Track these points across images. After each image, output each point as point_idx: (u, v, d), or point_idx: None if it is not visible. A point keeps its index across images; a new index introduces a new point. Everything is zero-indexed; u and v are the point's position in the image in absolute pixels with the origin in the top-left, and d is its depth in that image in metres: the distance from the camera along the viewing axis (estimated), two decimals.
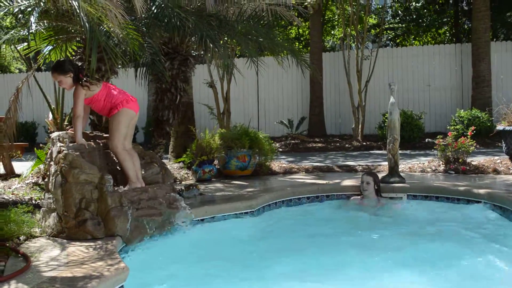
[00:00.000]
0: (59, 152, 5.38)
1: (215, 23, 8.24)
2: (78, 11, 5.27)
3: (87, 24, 5.74)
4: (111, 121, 5.82)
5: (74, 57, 8.60)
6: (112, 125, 5.81)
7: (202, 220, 6.36)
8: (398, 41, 25.75)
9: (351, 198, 7.86)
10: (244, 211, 6.78)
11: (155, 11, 7.98)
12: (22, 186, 8.05)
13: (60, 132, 5.74)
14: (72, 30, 8.22)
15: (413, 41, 25.58)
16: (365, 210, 7.42)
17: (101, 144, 5.94)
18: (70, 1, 5.25)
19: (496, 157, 10.84)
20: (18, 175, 9.16)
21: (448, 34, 24.86)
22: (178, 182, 8.84)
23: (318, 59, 18.74)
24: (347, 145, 16.18)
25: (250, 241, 6.01)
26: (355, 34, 17.84)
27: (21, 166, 9.82)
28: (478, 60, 17.43)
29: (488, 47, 17.39)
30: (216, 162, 9.75)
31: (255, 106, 20.31)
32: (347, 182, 8.45)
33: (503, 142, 10.39)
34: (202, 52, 9.65)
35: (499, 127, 10.31)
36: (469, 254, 5.47)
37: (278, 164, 10.93)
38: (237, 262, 5.22)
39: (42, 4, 6.33)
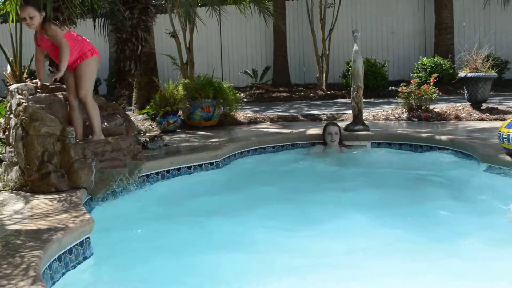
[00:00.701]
0: (18, 104, 5.25)
1: None
2: None
3: None
4: (82, 68, 5.60)
5: None
6: (84, 73, 5.60)
7: (168, 171, 6.34)
8: None
9: (315, 146, 7.90)
10: (210, 161, 6.77)
11: None
12: None
13: (19, 84, 5.59)
14: None
15: None
16: (329, 158, 7.48)
17: (61, 96, 5.81)
18: None
19: (458, 104, 11.01)
20: None
21: None
22: (143, 134, 8.76)
23: (281, 7, 18.51)
24: (311, 94, 16.20)
25: (215, 192, 6.01)
26: None
27: None
28: (441, 6, 17.46)
29: None
30: (180, 113, 9.67)
31: (218, 56, 20.09)
32: (312, 131, 8.49)
33: (465, 89, 10.54)
34: (163, 1, 9.44)
35: (461, 74, 10.44)
36: (431, 198, 5.60)
37: (243, 114, 10.91)
38: (201, 213, 5.22)
39: None
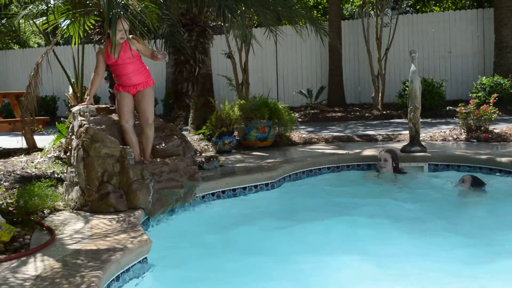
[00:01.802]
0: (80, 126, 5.41)
1: None
2: None
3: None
4: (150, 94, 5.87)
5: (92, 31, 8.60)
6: (152, 99, 5.91)
7: (223, 192, 6.39)
8: (418, 7, 25.33)
9: (371, 170, 7.81)
10: (265, 182, 6.79)
11: None
12: (44, 160, 8.13)
13: (81, 106, 5.77)
14: (90, 4, 8.19)
15: (433, 7, 25.14)
16: (383, 183, 7.36)
17: None
18: None
19: None
20: (41, 149, 9.25)
21: None
22: (198, 154, 8.86)
23: (337, 27, 18.50)
24: (366, 114, 16.08)
25: (271, 212, 6.03)
26: (374, 0, 17.59)
27: (43, 140, 9.90)
28: (501, 25, 17.08)
29: (510, 12, 17.02)
30: (235, 133, 9.75)
31: (273, 77, 20.20)
32: (367, 152, 8.41)
33: None
34: (220, 23, 9.57)
35: None
36: (486, 223, 5.48)
37: (297, 134, 10.91)
38: (257, 234, 5.24)
39: None
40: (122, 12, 5.71)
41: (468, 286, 3.97)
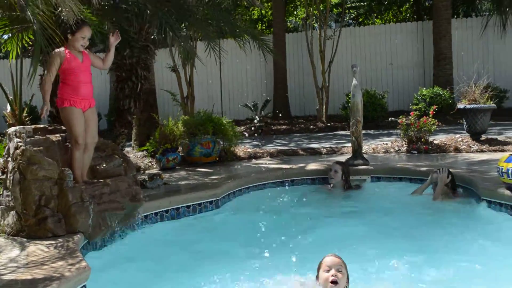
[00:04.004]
0: (16, 148, 5.24)
1: (174, 9, 8.11)
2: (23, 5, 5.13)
3: (33, 20, 5.60)
4: (95, 112, 5.82)
5: (30, 47, 8.42)
6: (96, 118, 5.87)
7: (167, 211, 6.31)
8: (360, 20, 25.82)
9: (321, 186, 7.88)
10: (209, 200, 6.75)
11: None
12: None
13: (17, 127, 5.61)
14: (28, 19, 8.01)
15: (375, 20, 25.67)
16: (332, 195, 7.44)
17: (60, 138, 5.81)
18: None
19: (458, 135, 10.99)
20: None
21: (409, 12, 24.98)
22: (142, 171, 8.74)
23: (281, 40, 18.65)
24: (311, 127, 16.22)
25: (214, 231, 5.98)
26: (317, 14, 17.81)
27: None
28: (439, 37, 17.53)
29: (449, 24, 17.49)
30: (180, 149, 9.67)
31: (218, 90, 20.18)
32: (312, 166, 8.47)
33: (464, 120, 10.54)
34: (162, 36, 9.51)
35: (460, 105, 10.45)
36: (430, 233, 5.60)
37: (242, 149, 10.90)
38: (201, 255, 5.19)
39: None
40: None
41: None
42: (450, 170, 6.97)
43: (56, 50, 5.63)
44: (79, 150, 5.55)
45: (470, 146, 9.83)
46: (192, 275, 4.70)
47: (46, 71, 5.62)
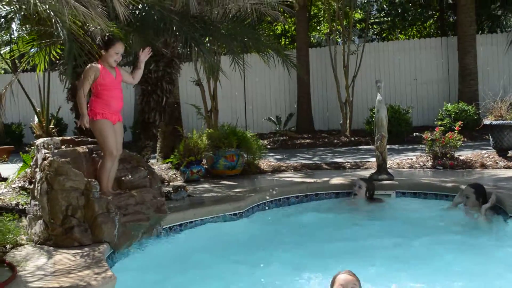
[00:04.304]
0: (44, 159, 5.33)
1: (199, 24, 8.18)
2: (54, 20, 5.23)
3: (65, 33, 5.69)
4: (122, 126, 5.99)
5: (58, 61, 8.56)
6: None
7: (191, 222, 6.33)
8: (384, 35, 25.76)
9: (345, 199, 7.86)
10: (233, 213, 6.76)
11: (140, 14, 7.89)
12: (8, 191, 7.99)
13: (45, 139, 5.71)
14: (56, 33, 8.16)
15: (399, 35, 25.60)
16: (357, 210, 7.41)
17: (86, 149, 5.90)
18: (48, 11, 5.19)
19: (484, 151, 10.89)
20: (5, 179, 9.09)
21: (433, 28, 24.87)
22: (166, 183, 8.80)
23: (304, 55, 18.70)
24: (335, 141, 16.19)
25: (239, 244, 5.99)
26: (341, 29, 17.83)
27: (8, 169, 9.74)
28: (464, 53, 17.43)
29: (473, 40, 17.40)
30: (204, 162, 9.72)
31: (242, 103, 20.24)
32: (335, 180, 8.45)
33: (490, 136, 10.45)
34: (188, 50, 9.59)
35: (486, 121, 10.37)
36: (454, 250, 5.54)
37: (266, 162, 10.91)
38: (226, 266, 5.20)
39: (23, 10, 6.26)
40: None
41: None
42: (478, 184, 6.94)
43: (92, 64, 5.72)
44: (112, 161, 5.70)
45: (496, 162, 9.72)
46: (218, 285, 4.72)
47: (79, 85, 5.69)
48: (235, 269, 5.13)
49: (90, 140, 6.22)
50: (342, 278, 3.80)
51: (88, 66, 5.73)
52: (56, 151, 5.50)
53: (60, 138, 5.97)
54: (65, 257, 4.58)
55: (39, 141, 5.67)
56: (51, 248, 4.94)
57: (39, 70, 9.30)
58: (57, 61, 8.60)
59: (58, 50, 8.74)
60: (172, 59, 8.92)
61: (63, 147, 5.92)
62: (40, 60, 9.09)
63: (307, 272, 4.96)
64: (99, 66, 5.66)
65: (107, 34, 5.74)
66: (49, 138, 5.74)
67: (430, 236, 6.10)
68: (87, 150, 5.88)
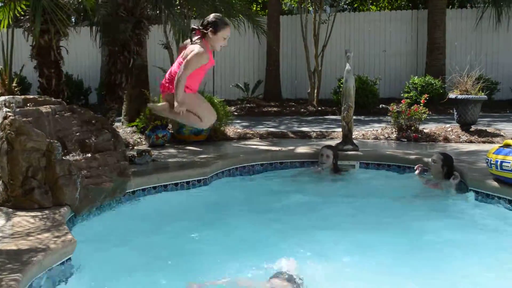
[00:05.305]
0: (5, 118, 5.18)
1: None
2: None
3: None
4: None
5: (22, 17, 8.32)
6: None
7: (154, 188, 6.29)
8: (355, 5, 25.73)
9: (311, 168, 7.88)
10: (197, 179, 6.73)
11: None
12: None
13: (7, 97, 5.55)
14: None
15: (370, 6, 25.58)
16: (319, 180, 7.45)
17: (50, 109, 5.77)
18: None
19: (448, 125, 11.03)
20: None
21: (404, 0, 24.92)
22: (131, 147, 8.71)
23: (275, 22, 18.55)
24: (302, 110, 16.20)
25: (202, 210, 5.99)
26: None
27: None
28: (433, 26, 17.52)
29: (443, 14, 17.48)
30: (170, 126, 9.63)
31: (210, 69, 20.04)
32: (301, 149, 8.46)
33: (454, 111, 10.58)
34: (157, 12, 9.41)
35: (452, 95, 10.48)
36: (415, 222, 5.63)
37: (233, 129, 10.88)
38: (187, 232, 5.19)
39: None
40: None
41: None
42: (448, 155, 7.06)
43: (203, 51, 5.14)
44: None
45: (459, 136, 9.86)
46: (177, 251, 4.71)
47: (185, 67, 5.14)
48: (195, 236, 5.13)
49: (53, 100, 6.08)
50: (277, 282, 3.79)
51: (198, 51, 5.10)
52: (18, 110, 5.35)
53: (23, 96, 5.80)
54: (24, 219, 4.50)
55: (0, 99, 5.51)
56: (10, 210, 4.83)
57: (3, 27, 9.02)
58: (22, 17, 8.34)
59: (23, 6, 8.48)
60: (141, 20, 8.73)
61: (26, 106, 5.77)
62: (4, 16, 8.82)
63: (264, 239, 5.01)
64: (208, 53, 5.19)
65: (217, 16, 5.26)
66: (11, 96, 5.58)
67: (392, 204, 6.21)
68: (50, 110, 5.73)
